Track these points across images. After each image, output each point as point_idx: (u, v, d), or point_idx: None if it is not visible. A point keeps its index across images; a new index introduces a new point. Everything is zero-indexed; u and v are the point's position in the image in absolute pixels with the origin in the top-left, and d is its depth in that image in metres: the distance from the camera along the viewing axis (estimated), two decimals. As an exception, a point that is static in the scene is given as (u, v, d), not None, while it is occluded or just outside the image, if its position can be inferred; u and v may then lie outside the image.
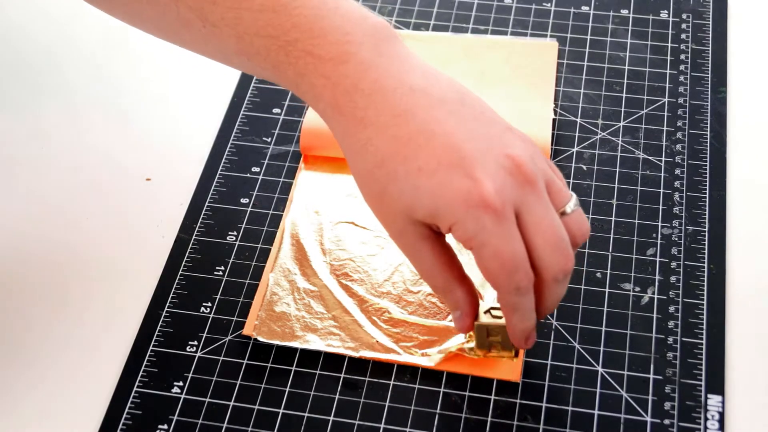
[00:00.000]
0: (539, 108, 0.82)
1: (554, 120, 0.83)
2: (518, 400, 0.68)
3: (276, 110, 0.85)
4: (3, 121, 0.85)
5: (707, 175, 0.79)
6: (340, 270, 0.74)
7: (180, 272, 0.75)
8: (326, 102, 0.63)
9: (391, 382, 0.69)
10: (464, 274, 0.64)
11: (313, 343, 0.70)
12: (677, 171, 0.80)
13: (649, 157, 0.80)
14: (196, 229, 0.77)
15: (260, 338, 0.71)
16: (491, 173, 0.60)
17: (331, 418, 0.67)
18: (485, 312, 0.65)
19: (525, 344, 0.64)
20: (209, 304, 0.73)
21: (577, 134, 0.82)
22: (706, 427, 0.66)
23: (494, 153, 0.61)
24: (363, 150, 0.62)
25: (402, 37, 0.82)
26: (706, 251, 0.75)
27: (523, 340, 0.64)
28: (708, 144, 0.81)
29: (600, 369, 0.69)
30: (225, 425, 0.67)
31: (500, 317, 0.65)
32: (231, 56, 0.66)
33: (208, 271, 0.75)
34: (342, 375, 0.69)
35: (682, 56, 0.87)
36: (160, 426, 0.67)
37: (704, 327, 0.71)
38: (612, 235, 0.76)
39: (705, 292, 0.72)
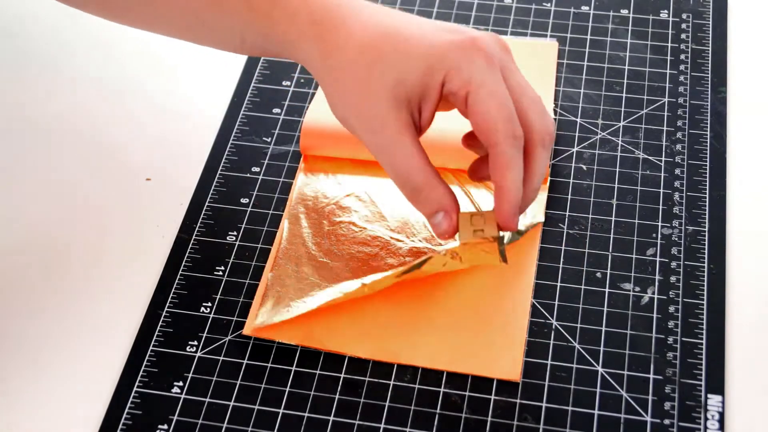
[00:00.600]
0: (539, 108, 0.82)
1: (554, 120, 0.83)
2: (518, 400, 0.68)
3: (276, 110, 0.85)
4: (2, 120, 0.85)
5: (707, 175, 0.79)
6: (339, 270, 0.74)
7: (180, 272, 0.75)
8: (303, 17, 0.65)
9: (391, 382, 0.69)
10: (440, 175, 0.65)
11: (310, 302, 0.70)
12: (677, 171, 0.80)
13: (649, 157, 0.81)
14: (196, 229, 0.77)
15: (260, 336, 0.71)
16: (476, 33, 0.63)
17: (331, 418, 0.67)
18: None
19: (512, 221, 0.63)
20: (209, 304, 0.73)
21: (577, 134, 0.82)
22: (706, 427, 0.66)
23: (471, 29, 0.65)
24: (342, 44, 0.64)
25: None
26: (706, 251, 0.75)
27: (511, 216, 0.63)
28: (708, 144, 0.81)
29: (600, 369, 0.69)
30: (225, 425, 0.67)
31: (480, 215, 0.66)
32: (202, 13, 0.67)
33: (208, 271, 0.75)
34: (342, 375, 0.69)
35: (682, 56, 0.87)
36: (160, 426, 0.67)
37: (704, 327, 0.71)
38: (612, 235, 0.76)
39: (705, 292, 0.73)
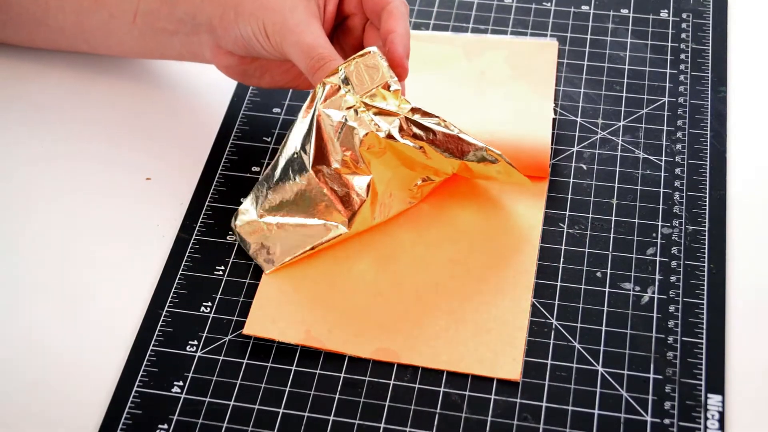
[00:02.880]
0: (539, 108, 0.82)
1: (554, 119, 0.83)
2: (518, 400, 0.68)
3: (276, 110, 0.85)
4: (1, 120, 0.85)
5: (707, 175, 0.79)
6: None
7: (180, 272, 0.75)
8: None
9: (391, 382, 0.69)
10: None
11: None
12: (677, 170, 0.80)
13: (649, 157, 0.81)
14: (196, 229, 0.77)
15: (260, 337, 0.71)
16: None
17: (331, 418, 0.67)
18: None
19: (405, 62, 0.73)
20: (209, 303, 0.73)
21: (577, 134, 0.82)
22: (706, 427, 0.66)
23: None
24: None
25: None
26: (706, 251, 0.75)
27: (404, 57, 0.73)
28: (708, 144, 0.81)
29: (600, 369, 0.69)
30: (225, 425, 0.67)
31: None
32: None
33: (208, 271, 0.75)
34: (342, 375, 0.69)
35: (682, 56, 0.87)
36: (160, 426, 0.67)
37: (704, 327, 0.71)
38: (612, 235, 0.76)
39: (705, 292, 0.73)
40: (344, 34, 0.79)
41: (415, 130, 0.72)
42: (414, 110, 0.72)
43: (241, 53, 0.77)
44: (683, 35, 0.89)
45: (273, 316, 0.72)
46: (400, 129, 0.72)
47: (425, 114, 0.72)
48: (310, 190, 0.73)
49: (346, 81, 0.72)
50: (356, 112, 0.71)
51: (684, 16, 0.91)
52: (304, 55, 0.73)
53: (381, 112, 0.72)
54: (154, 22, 0.79)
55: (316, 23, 0.74)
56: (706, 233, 0.76)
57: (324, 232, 0.74)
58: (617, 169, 0.80)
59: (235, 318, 0.72)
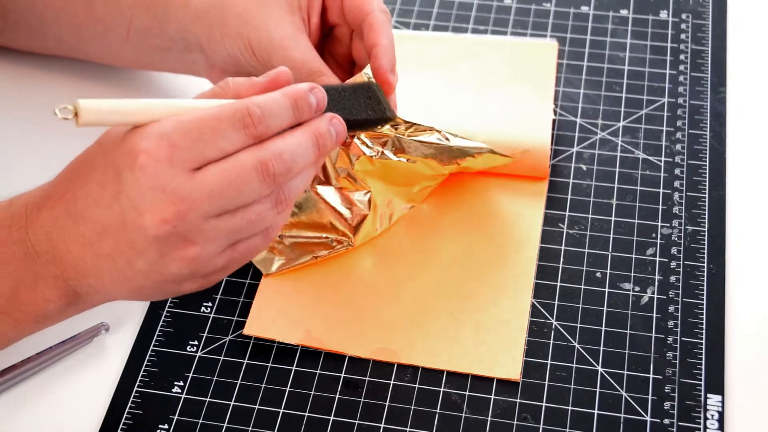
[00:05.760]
0: (539, 108, 0.82)
1: (554, 120, 0.83)
2: (518, 400, 0.68)
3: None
4: (3, 121, 0.85)
5: (707, 175, 0.79)
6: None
7: (180, 272, 0.75)
8: None
9: (391, 382, 0.69)
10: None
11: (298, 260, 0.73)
12: (677, 171, 0.80)
13: (649, 157, 0.81)
14: (197, 229, 0.77)
15: (260, 337, 0.71)
16: None
17: (331, 418, 0.68)
18: None
19: (390, 76, 0.71)
20: (209, 303, 0.73)
21: (576, 134, 0.82)
22: (705, 427, 0.66)
23: None
24: None
25: (402, 38, 0.83)
26: (705, 251, 0.75)
27: (389, 71, 0.71)
28: (707, 144, 0.81)
29: (600, 369, 0.69)
30: (225, 425, 0.67)
31: None
32: None
33: (208, 271, 0.75)
34: (342, 375, 0.69)
35: (682, 56, 0.87)
36: (160, 426, 0.67)
37: (704, 327, 0.71)
38: (612, 235, 0.76)
39: (705, 292, 0.73)
40: (333, 44, 0.78)
41: (407, 147, 0.72)
42: (406, 126, 0.72)
43: (234, 71, 0.76)
44: (683, 36, 0.89)
45: (273, 316, 0.72)
46: (393, 148, 0.72)
47: (418, 129, 0.72)
48: (314, 206, 0.73)
49: None
50: (349, 137, 0.71)
51: (683, 16, 0.91)
52: (295, 71, 0.71)
53: (373, 135, 0.72)
54: (147, 39, 0.79)
55: (303, 37, 0.73)
56: (706, 233, 0.76)
57: (329, 246, 0.74)
58: (617, 169, 0.80)
59: (235, 318, 0.72)
